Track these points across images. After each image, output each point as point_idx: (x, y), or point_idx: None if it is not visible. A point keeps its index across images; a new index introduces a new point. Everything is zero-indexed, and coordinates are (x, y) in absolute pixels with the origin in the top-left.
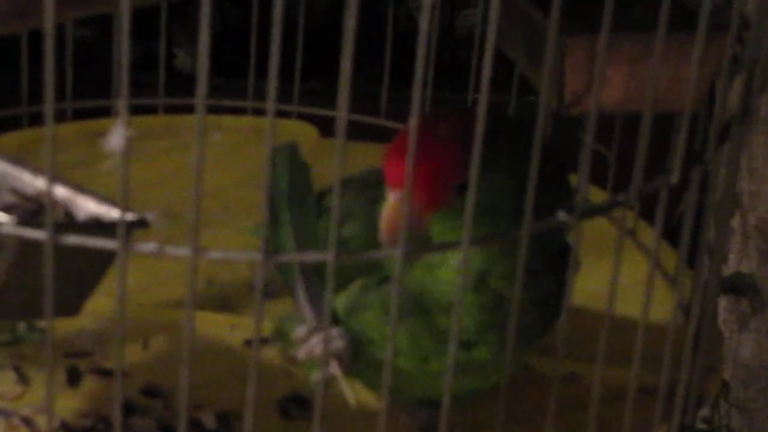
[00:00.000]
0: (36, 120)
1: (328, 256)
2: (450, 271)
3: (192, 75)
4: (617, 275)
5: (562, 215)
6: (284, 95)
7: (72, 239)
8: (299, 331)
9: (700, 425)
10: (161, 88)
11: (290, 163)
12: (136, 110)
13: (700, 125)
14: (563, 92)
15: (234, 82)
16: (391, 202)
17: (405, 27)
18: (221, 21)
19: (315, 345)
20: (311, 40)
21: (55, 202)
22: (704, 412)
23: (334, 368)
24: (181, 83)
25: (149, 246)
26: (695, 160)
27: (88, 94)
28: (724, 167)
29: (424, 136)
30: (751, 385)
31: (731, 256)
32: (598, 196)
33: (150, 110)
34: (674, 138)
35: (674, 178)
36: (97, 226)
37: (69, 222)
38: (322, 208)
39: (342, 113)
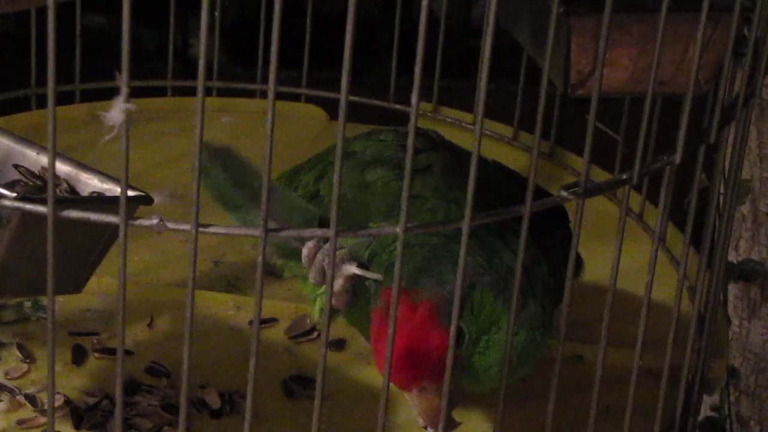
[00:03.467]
0: (44, 102)
1: (328, 232)
2: None
3: (207, 63)
4: (619, 255)
5: (566, 193)
6: (295, 80)
7: (74, 214)
8: (308, 246)
9: (710, 413)
10: (170, 71)
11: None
12: (146, 93)
13: (708, 107)
14: (569, 73)
15: (251, 70)
16: (419, 397)
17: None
18: (239, 12)
19: (323, 256)
20: (326, 29)
21: (58, 179)
22: (714, 399)
23: (351, 268)
24: (196, 71)
25: (150, 221)
26: (699, 139)
27: (96, 78)
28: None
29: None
30: (761, 372)
31: (742, 243)
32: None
33: (160, 93)
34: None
35: (678, 157)
36: (100, 201)
37: (71, 197)
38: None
39: (343, 95)
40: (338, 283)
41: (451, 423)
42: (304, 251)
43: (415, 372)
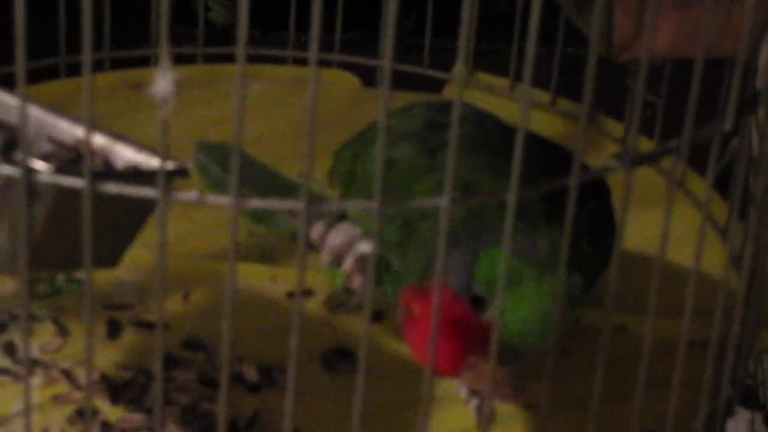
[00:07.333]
0: (73, 70)
1: (372, 204)
2: None
3: (226, 27)
4: (668, 228)
5: (612, 162)
6: (325, 45)
7: (111, 187)
8: (316, 229)
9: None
10: (201, 38)
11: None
12: (175, 60)
13: (750, 72)
14: (612, 38)
15: (272, 34)
16: (473, 373)
17: None
18: None
19: (335, 236)
20: None
21: (93, 151)
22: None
23: (365, 247)
24: (217, 35)
25: (190, 195)
26: (749, 106)
27: (125, 46)
28: None
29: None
30: None
31: None
32: (644, 144)
33: (189, 60)
34: (721, 86)
35: (727, 124)
36: (137, 175)
37: (108, 170)
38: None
39: (386, 62)
40: (349, 263)
41: (520, 389)
42: (313, 234)
43: (455, 354)
